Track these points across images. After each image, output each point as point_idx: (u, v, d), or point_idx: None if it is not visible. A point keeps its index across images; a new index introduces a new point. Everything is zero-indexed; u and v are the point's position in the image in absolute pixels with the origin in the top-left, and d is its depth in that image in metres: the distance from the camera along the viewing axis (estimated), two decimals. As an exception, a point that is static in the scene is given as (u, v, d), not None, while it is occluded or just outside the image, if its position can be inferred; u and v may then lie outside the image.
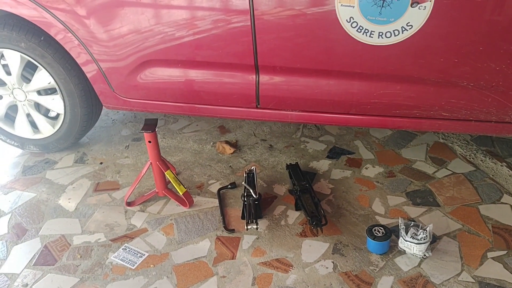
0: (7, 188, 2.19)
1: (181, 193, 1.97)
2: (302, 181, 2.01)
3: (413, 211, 1.90)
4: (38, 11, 1.93)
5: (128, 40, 1.94)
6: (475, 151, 2.25)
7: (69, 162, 2.36)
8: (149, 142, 1.90)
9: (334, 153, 2.31)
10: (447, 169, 2.14)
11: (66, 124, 2.27)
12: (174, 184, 1.96)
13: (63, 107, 2.22)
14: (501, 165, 2.13)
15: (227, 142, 2.40)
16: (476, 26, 1.61)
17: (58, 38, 1.99)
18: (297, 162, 2.17)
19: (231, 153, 2.35)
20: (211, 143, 2.45)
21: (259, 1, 1.70)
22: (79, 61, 2.05)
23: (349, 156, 2.28)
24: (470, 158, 2.20)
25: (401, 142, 2.37)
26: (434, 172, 2.13)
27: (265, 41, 1.81)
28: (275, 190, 2.08)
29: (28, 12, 1.95)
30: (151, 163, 1.96)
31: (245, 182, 2.00)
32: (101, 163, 2.34)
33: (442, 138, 2.38)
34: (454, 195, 1.97)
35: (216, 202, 2.02)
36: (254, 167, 2.07)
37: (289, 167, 2.16)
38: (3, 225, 1.95)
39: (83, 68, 2.08)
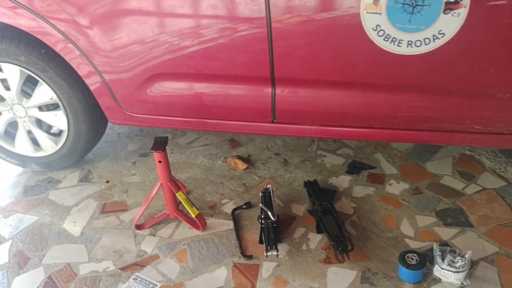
0: (7, 211, 2.05)
1: (193, 216, 1.84)
2: (323, 200, 1.87)
3: (445, 233, 1.76)
4: (37, 21, 1.80)
5: (135, 52, 1.80)
6: (504, 164, 2.11)
7: (73, 181, 2.23)
8: (159, 162, 1.77)
9: (354, 168, 2.18)
10: (477, 184, 2.00)
11: (69, 141, 2.14)
12: (186, 206, 1.83)
13: (66, 124, 2.09)
14: (536, 180, 2.00)
15: (239, 157, 2.27)
16: (515, 32, 1.48)
17: (58, 49, 1.86)
18: (315, 179, 2.03)
19: (244, 169, 2.22)
20: (222, 158, 2.32)
21: (277, 8, 1.57)
22: (81, 73, 1.92)
23: (370, 171, 2.15)
24: (500, 172, 2.06)
25: (425, 154, 2.23)
26: (464, 188, 1.99)
27: (283, 51, 1.68)
28: (293, 210, 1.94)
29: (26, 23, 1.82)
30: (161, 184, 1.83)
31: (262, 203, 1.86)
32: (107, 181, 2.21)
33: (469, 150, 2.24)
34: (487, 214, 1.83)
35: (230, 224, 1.88)
36: (270, 185, 1.93)
37: (307, 184, 2.02)
38: (3, 253, 1.82)
39: (87, 82, 1.95)
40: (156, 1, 1.67)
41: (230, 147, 2.41)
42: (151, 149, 1.75)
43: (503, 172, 2.06)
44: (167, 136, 1.79)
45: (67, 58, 1.89)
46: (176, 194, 1.83)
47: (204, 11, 1.65)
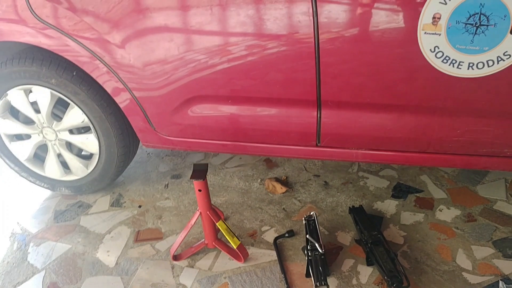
0: (39, 239, 1.98)
1: (235, 247, 1.74)
2: (372, 230, 1.76)
3: (506, 266, 1.63)
4: (63, 40, 1.73)
5: (171, 73, 1.72)
6: None
7: (104, 206, 2.15)
8: (199, 190, 1.68)
9: (399, 191, 2.06)
10: (536, 210, 1.88)
11: (101, 165, 2.06)
12: (227, 237, 1.73)
13: (98, 147, 2.01)
14: None
15: (277, 180, 2.17)
16: None
17: (90, 71, 1.79)
18: (361, 205, 1.92)
19: (283, 193, 2.11)
20: (259, 180, 2.22)
21: (326, 29, 1.47)
22: (114, 96, 1.84)
23: (417, 195, 2.03)
24: (559, 197, 1.94)
25: (475, 177, 2.10)
26: (521, 214, 1.87)
27: (331, 73, 1.57)
28: (339, 238, 1.83)
29: (51, 42, 1.75)
30: (200, 212, 1.74)
31: (307, 233, 1.76)
32: (139, 206, 2.12)
33: (521, 171, 2.12)
34: (551, 245, 1.70)
35: (273, 254, 1.78)
36: (314, 212, 1.82)
37: (352, 210, 1.91)
38: (37, 285, 1.74)
39: (121, 105, 1.87)
40: (186, 18, 1.58)
41: (266, 168, 2.31)
42: (191, 177, 1.66)
43: None
44: (207, 164, 1.69)
45: (100, 80, 1.82)
46: (217, 224, 1.73)
47: (245, 30, 1.56)
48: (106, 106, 1.89)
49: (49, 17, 1.72)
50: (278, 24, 1.52)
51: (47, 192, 2.28)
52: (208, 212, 1.73)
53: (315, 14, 1.47)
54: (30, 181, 2.23)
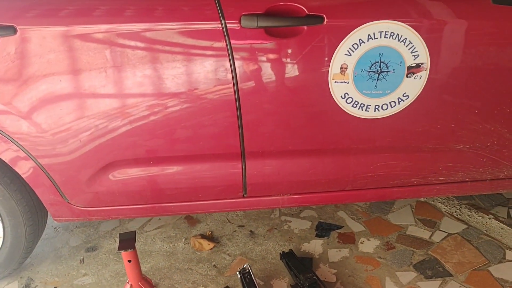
0: None
1: (173, 315, 1.64)
2: (306, 272, 1.79)
3: (430, 286, 1.77)
4: None
5: (85, 141, 1.62)
6: (458, 207, 2.23)
7: (11, 295, 1.89)
8: (129, 261, 1.57)
9: (322, 230, 2.14)
10: (441, 230, 2.07)
11: (6, 249, 1.82)
12: (163, 306, 1.63)
13: (1, 230, 1.78)
14: (489, 218, 2.12)
15: (202, 236, 2.11)
16: (471, 90, 1.59)
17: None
18: (291, 250, 1.95)
19: (211, 249, 2.06)
20: (183, 240, 2.14)
21: (245, 84, 1.53)
22: (13, 166, 1.67)
23: (338, 231, 2.12)
24: (457, 215, 2.17)
25: (385, 207, 2.28)
26: (430, 236, 2.04)
27: (253, 125, 1.62)
28: (275, 287, 1.83)
29: None
30: (131, 285, 1.62)
31: (243, 286, 1.73)
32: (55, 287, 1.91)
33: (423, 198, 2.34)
34: (460, 260, 1.88)
35: (213, 315, 1.72)
36: (247, 264, 1.81)
37: (284, 256, 1.93)
38: None
39: (24, 176, 1.69)
40: (81, 81, 1.51)
41: (188, 226, 2.24)
42: (119, 249, 1.55)
43: (460, 215, 2.17)
44: (134, 231, 1.60)
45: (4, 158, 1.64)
46: (151, 294, 1.63)
47: (165, 87, 1.55)
48: (9, 182, 1.70)
49: None
50: (196, 81, 1.54)
51: None
52: (140, 283, 1.62)
53: (234, 70, 1.52)
54: None
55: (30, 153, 1.63)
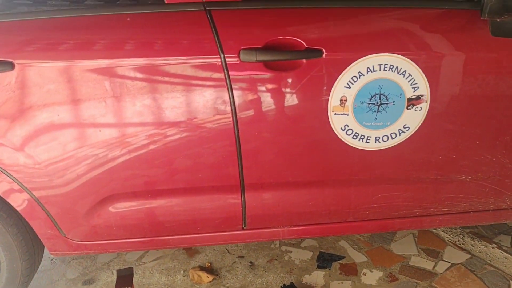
0: None
1: None
2: (308, 306, 1.76)
3: (435, 320, 1.74)
4: None
5: (83, 175, 1.60)
6: (461, 235, 2.20)
7: (5, 332, 1.84)
8: (127, 297, 1.53)
9: (323, 261, 2.10)
10: (444, 260, 2.04)
11: (1, 284, 1.77)
12: None
13: (-4, 265, 1.75)
14: (492, 247, 2.09)
15: (201, 268, 2.07)
16: (472, 121, 1.59)
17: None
18: (292, 283, 1.92)
19: (210, 281, 2.02)
20: (182, 272, 2.10)
21: (244, 116, 1.52)
22: (6, 198, 1.64)
23: (340, 262, 2.08)
24: (460, 244, 2.14)
25: (387, 236, 2.25)
26: (433, 266, 2.00)
27: (252, 158, 1.60)
28: (276, 321, 1.79)
29: None
30: (129, 322, 1.58)
31: (245, 321, 1.69)
32: (50, 324, 1.86)
33: (423, 225, 2.31)
34: (465, 292, 1.86)
35: None
36: (247, 298, 1.78)
37: (284, 289, 1.90)
38: None
39: (18, 208, 1.66)
40: (79, 111, 1.51)
41: (187, 257, 2.20)
42: (117, 287, 1.52)
43: (463, 244, 2.14)
44: (132, 267, 1.57)
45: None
46: (148, 331, 1.59)
47: (163, 118, 1.54)
48: (5, 217, 1.67)
49: None
50: (195, 113, 1.53)
51: None
52: (137, 320, 1.58)
53: (233, 102, 1.51)
54: None
55: (24, 185, 1.61)
